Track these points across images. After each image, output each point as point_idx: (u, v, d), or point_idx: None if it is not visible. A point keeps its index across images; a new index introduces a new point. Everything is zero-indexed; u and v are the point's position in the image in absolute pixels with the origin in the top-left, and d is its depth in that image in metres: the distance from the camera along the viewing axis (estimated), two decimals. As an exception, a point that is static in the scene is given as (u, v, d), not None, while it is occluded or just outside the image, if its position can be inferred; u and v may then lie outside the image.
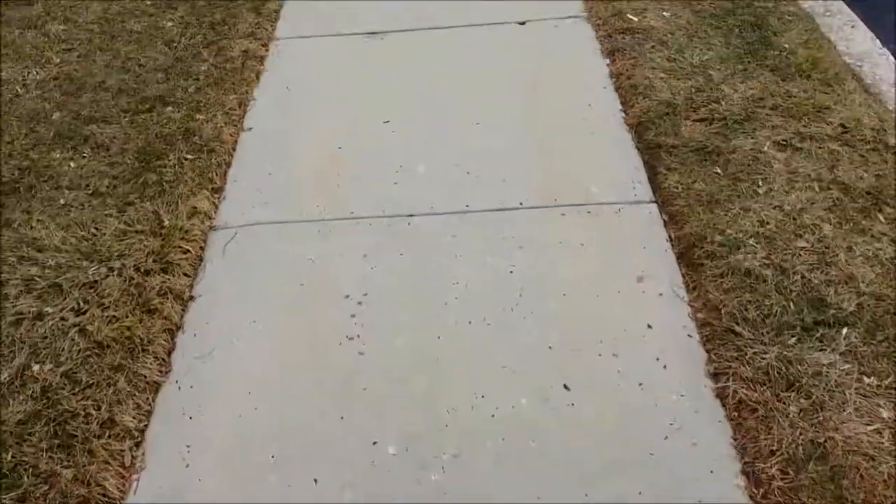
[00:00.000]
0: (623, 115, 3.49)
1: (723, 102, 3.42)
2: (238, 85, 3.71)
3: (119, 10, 4.30)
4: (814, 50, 3.78)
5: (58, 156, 3.28)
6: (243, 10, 4.31)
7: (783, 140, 3.20)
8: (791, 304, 2.49)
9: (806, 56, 3.72)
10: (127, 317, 2.56)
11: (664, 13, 4.17)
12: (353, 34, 4.22)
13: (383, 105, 3.62)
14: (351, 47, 4.11)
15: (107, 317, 2.56)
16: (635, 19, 4.12)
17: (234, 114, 3.56)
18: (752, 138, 3.21)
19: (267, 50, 4.08)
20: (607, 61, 3.88)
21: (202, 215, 2.98)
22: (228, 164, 3.30)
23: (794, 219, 2.80)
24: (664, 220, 2.93)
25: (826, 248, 2.66)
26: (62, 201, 3.04)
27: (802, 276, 2.56)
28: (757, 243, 2.72)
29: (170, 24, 4.20)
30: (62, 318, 2.56)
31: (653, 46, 3.89)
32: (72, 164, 3.23)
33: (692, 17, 4.11)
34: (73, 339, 2.50)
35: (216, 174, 3.21)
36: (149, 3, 4.38)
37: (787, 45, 3.82)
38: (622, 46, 3.91)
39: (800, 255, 2.65)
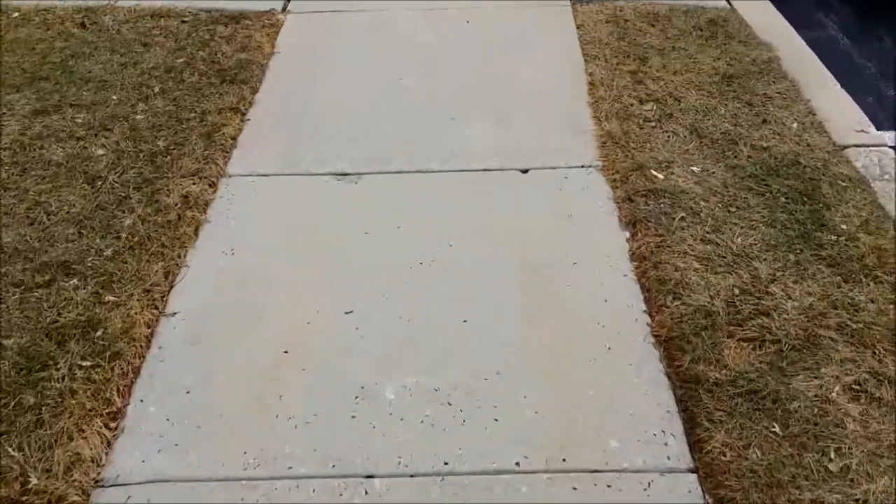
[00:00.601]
0: (648, 320, 2.74)
1: (775, 316, 2.67)
2: (169, 247, 2.95)
3: (41, 130, 3.54)
4: (877, 236, 3.06)
5: (-90, 356, 2.46)
6: (193, 135, 3.56)
7: (855, 383, 2.45)
8: None
9: (869, 245, 3.00)
10: None
11: (693, 168, 3.45)
12: (321, 174, 3.47)
13: (347, 284, 2.89)
14: (317, 192, 3.36)
15: None
16: (660, 177, 3.38)
17: (156, 291, 2.78)
18: (817, 377, 2.46)
19: (214, 191, 3.31)
20: (627, 234, 3.14)
21: (86, 464, 2.21)
22: (137, 373, 2.52)
23: (887, 528, 2.00)
24: (708, 508, 2.12)
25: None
26: None
27: None
28: (839, 570, 1.91)
29: (100, 152, 3.44)
30: None
31: (682, 218, 3.14)
32: (-74, 371, 2.41)
33: (728, 177, 3.38)
34: None
35: (117, 391, 2.43)
36: (80, 121, 3.61)
37: (844, 227, 3.09)
38: (645, 216, 3.17)
39: None
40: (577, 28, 4.65)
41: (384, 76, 4.18)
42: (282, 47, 4.43)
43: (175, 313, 2.76)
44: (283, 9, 4.85)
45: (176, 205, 3.18)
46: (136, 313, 2.68)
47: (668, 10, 4.89)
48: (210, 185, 3.36)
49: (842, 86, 4.32)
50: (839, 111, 4.01)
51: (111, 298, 2.73)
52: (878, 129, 3.99)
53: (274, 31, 4.60)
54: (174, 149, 3.51)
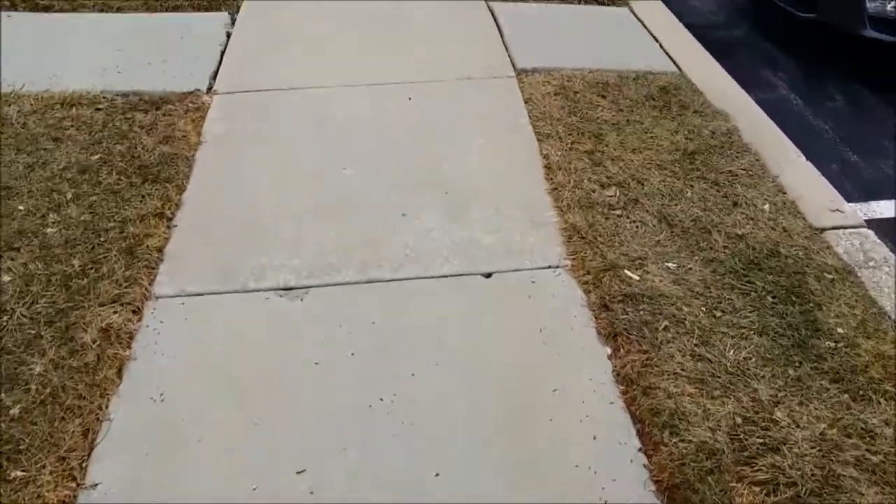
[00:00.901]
0: (645, 461, 2.42)
1: (786, 451, 2.38)
2: (87, 397, 2.54)
3: (-66, 254, 3.03)
4: (877, 340, 2.82)
5: None
6: (113, 250, 3.13)
7: (889, 535, 2.11)
8: None
9: (871, 353, 2.75)
10: None
11: (669, 264, 3.16)
12: (261, 290, 3.06)
13: (298, 434, 2.55)
14: (258, 313, 2.96)
15: None
16: (635, 277, 3.08)
17: (72, 457, 2.37)
18: (845, 531, 2.12)
19: (139, 319, 2.89)
20: (608, 350, 2.81)
21: None
22: (52, 573, 2.03)
23: None
24: None
25: None
26: None
27: None
28: None
29: (6, 278, 3.02)
30: None
31: (666, 328, 2.84)
32: None
33: (707, 273, 3.10)
34: None
35: None
36: (-20, 239, 3.13)
37: (841, 331, 2.83)
38: (626, 327, 2.86)
39: None
40: (526, 103, 4.38)
41: (325, 166, 3.81)
42: (209, 135, 4.02)
43: (96, 485, 2.34)
44: (209, 89, 4.44)
45: (94, 342, 2.75)
46: (48, 490, 2.25)
47: (617, 79, 4.67)
48: (134, 312, 2.94)
49: (803, 152, 4.15)
50: (808, 187, 3.81)
51: (18, 474, 2.28)
52: (847, 200, 3.83)
53: (199, 115, 4.18)
54: (91, 269, 3.07)
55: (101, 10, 5.24)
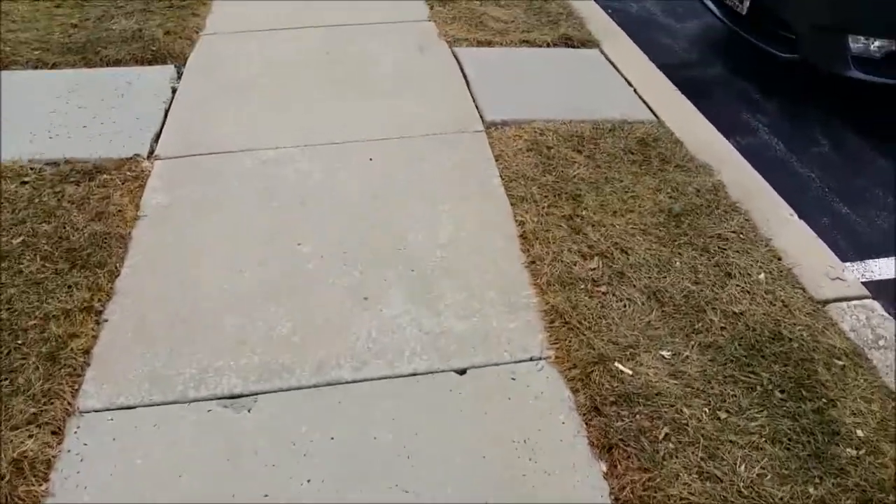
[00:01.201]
0: None
1: None
2: (-10, 557, 2.03)
3: None
4: (903, 442, 2.42)
5: None
6: (32, 356, 2.72)
7: None
8: None
9: (899, 460, 2.34)
10: None
11: (663, 353, 2.82)
12: (203, 399, 2.67)
13: None
14: (198, 429, 2.59)
15: None
16: (627, 371, 2.73)
17: None
18: None
19: (59, 443, 2.49)
20: (603, 467, 2.45)
21: None
22: None
23: None
24: None
25: None
26: None
27: None
28: None
29: None
30: None
31: (667, 436, 2.50)
32: None
33: (706, 363, 2.79)
34: None
35: None
36: None
37: (860, 434, 2.52)
38: (622, 437, 2.52)
39: None
40: (496, 160, 4.02)
41: (278, 242, 3.41)
42: (148, 208, 3.61)
43: None
44: (150, 153, 4.03)
45: (3, 478, 2.32)
46: None
47: (592, 130, 4.34)
48: (54, 433, 2.53)
49: (790, 204, 3.87)
50: (804, 251, 3.50)
51: None
52: (842, 258, 3.54)
53: (138, 185, 3.77)
54: (5, 381, 2.68)
55: (35, 67, 4.80)
